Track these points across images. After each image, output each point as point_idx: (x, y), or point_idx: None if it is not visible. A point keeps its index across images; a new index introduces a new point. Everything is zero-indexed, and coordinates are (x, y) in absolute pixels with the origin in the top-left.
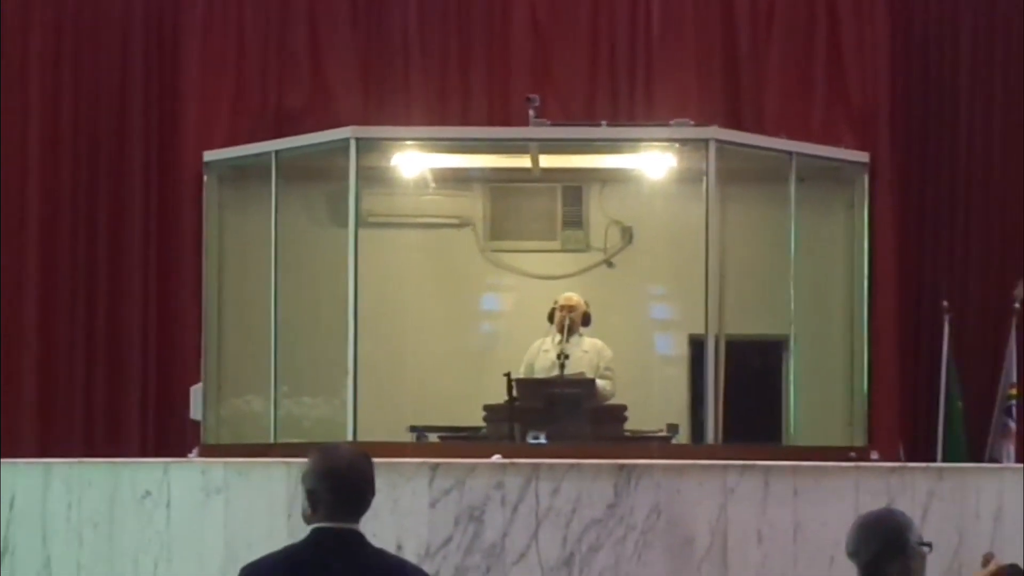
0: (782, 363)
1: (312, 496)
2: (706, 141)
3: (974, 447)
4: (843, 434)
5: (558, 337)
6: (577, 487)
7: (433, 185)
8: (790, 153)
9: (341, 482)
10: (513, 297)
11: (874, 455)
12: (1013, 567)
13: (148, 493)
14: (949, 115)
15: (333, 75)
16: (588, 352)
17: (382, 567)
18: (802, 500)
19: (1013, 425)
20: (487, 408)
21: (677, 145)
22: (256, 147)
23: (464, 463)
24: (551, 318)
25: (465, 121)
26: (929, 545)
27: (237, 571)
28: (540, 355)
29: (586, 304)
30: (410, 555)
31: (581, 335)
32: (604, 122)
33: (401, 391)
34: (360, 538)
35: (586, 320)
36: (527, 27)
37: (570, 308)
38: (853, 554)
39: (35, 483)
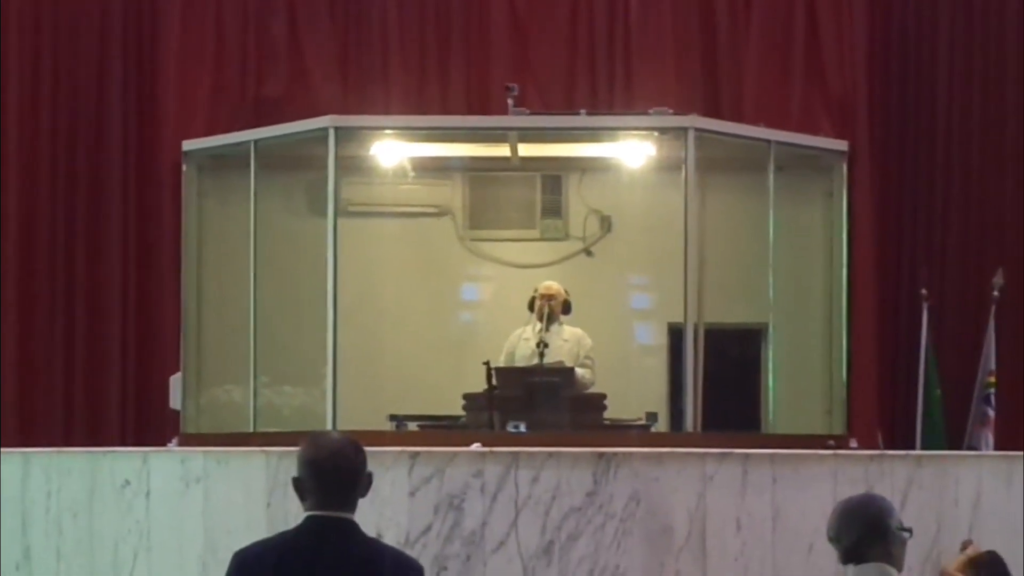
0: (761, 352)
1: (299, 484)
2: (685, 129)
3: (953, 435)
4: (822, 422)
5: (538, 326)
6: (556, 475)
7: (412, 174)
8: (769, 141)
9: (322, 471)
10: (492, 286)
11: (853, 443)
12: (991, 554)
13: (127, 482)
14: (928, 103)
15: (312, 64)
16: (568, 341)
17: (373, 556)
18: (781, 488)
19: (992, 413)
20: (466, 397)
21: (656, 134)
22: (235, 136)
23: (444, 452)
24: (531, 307)
25: (444, 110)
26: (909, 530)
27: (217, 560)
28: (520, 343)
29: (566, 292)
30: (390, 543)
31: (561, 324)
32: (583, 111)
33: (381, 380)
34: (351, 526)
35: (566, 308)
36: (506, 16)
37: (550, 297)
38: (834, 539)
39: (14, 472)
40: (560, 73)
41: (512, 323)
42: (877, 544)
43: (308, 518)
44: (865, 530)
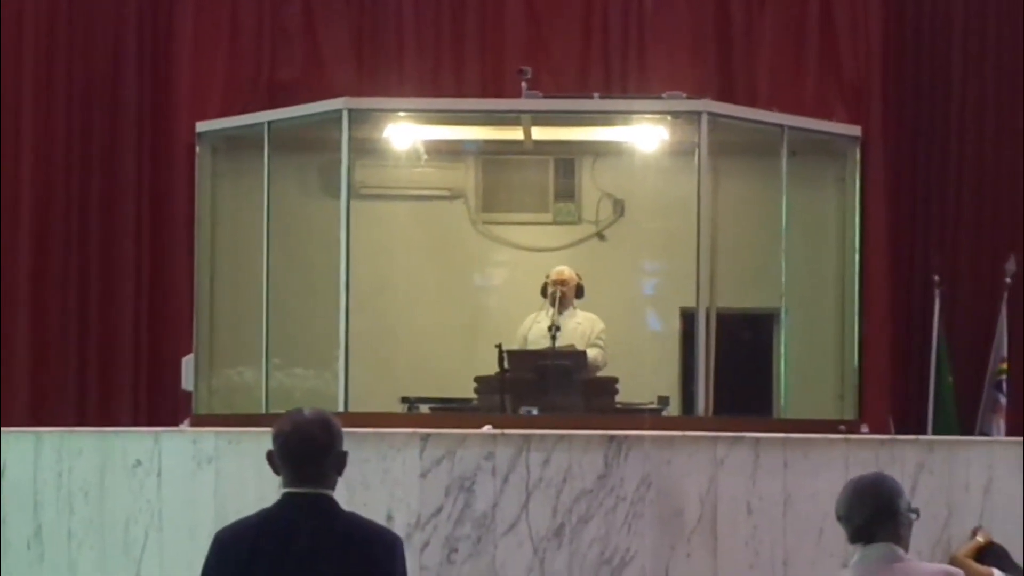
0: (773, 336)
1: (271, 460)
2: (698, 114)
3: (964, 422)
4: (833, 408)
5: (551, 310)
6: (567, 458)
7: (425, 157)
8: (782, 126)
9: (289, 446)
10: (505, 269)
11: (864, 429)
12: (999, 547)
13: (139, 462)
14: (941, 89)
15: (326, 47)
16: (581, 324)
17: (350, 530)
18: (792, 472)
19: (1003, 400)
20: (478, 380)
21: (669, 118)
22: (249, 118)
23: (455, 433)
24: (544, 292)
25: (458, 93)
26: (917, 512)
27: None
28: (534, 328)
29: (579, 277)
30: (400, 525)
31: (575, 308)
32: (596, 94)
33: (393, 363)
34: (328, 501)
35: (579, 293)
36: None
37: (562, 282)
38: (844, 518)
39: (26, 452)
40: (574, 57)
41: (525, 306)
42: (887, 524)
43: (284, 495)
44: (875, 510)
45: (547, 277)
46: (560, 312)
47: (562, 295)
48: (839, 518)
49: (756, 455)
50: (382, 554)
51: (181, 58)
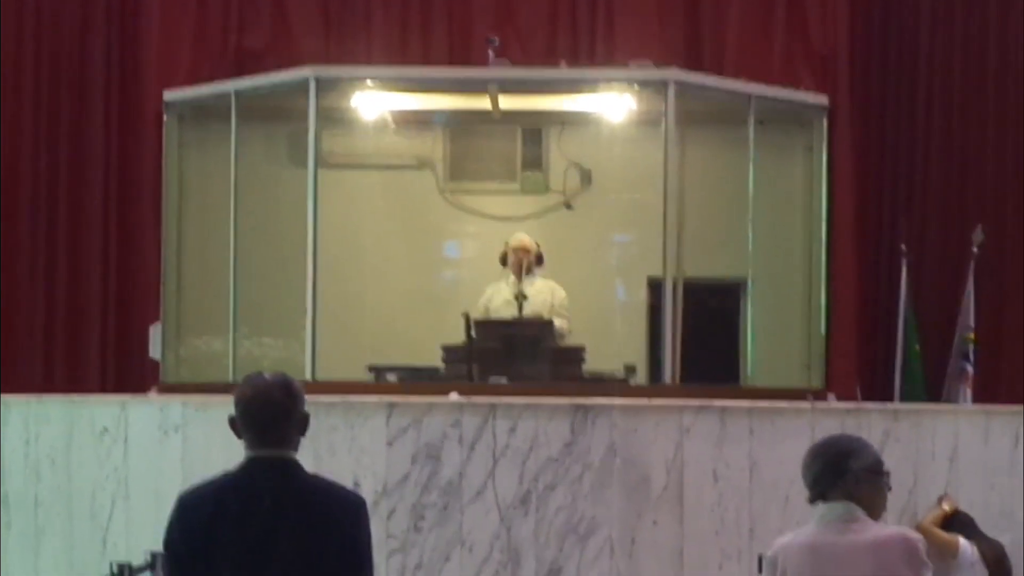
0: (740, 305)
1: (233, 424)
2: (665, 82)
3: (932, 390)
4: (800, 376)
5: (513, 279)
6: (534, 426)
7: (393, 126)
8: (749, 95)
9: (250, 410)
10: (472, 238)
11: (831, 397)
12: (965, 515)
13: (106, 430)
14: (909, 58)
15: (294, 14)
16: (541, 292)
17: (313, 491)
18: (757, 440)
19: (970, 369)
20: (445, 348)
21: (636, 87)
22: (216, 87)
23: (421, 402)
24: (504, 261)
25: (426, 61)
26: (886, 474)
27: None
28: (495, 297)
29: (537, 245)
30: (367, 493)
31: (535, 275)
32: (563, 63)
33: (361, 332)
34: (290, 464)
35: (539, 260)
36: None
37: (525, 250)
38: (803, 478)
39: None
40: (541, 25)
41: (492, 276)
42: (835, 482)
43: (247, 458)
44: (822, 467)
45: (506, 245)
46: (521, 280)
47: (527, 264)
48: (803, 479)
49: (722, 423)
50: (345, 516)
51: (148, 26)
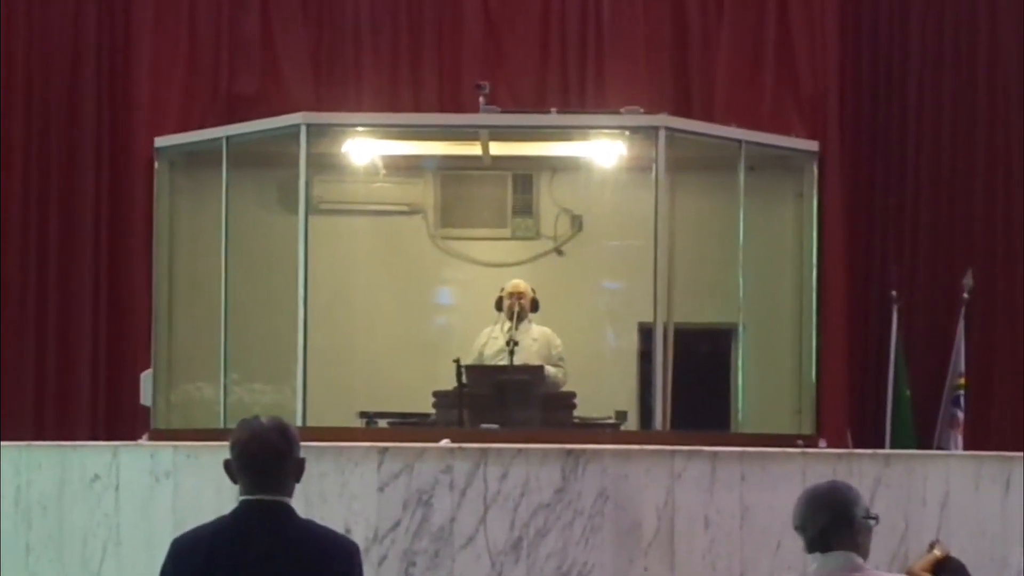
0: (731, 351)
1: (228, 468)
2: (656, 129)
3: (922, 437)
4: (791, 423)
5: (507, 324)
6: (525, 472)
7: (384, 172)
8: (739, 141)
9: (247, 454)
10: (463, 284)
11: (822, 443)
12: (956, 560)
13: (97, 477)
14: (898, 104)
15: (285, 61)
16: (537, 340)
17: (307, 537)
18: (749, 486)
19: (961, 415)
20: (436, 394)
21: (627, 133)
22: (206, 133)
23: (413, 447)
24: (499, 306)
25: (416, 108)
26: (876, 518)
27: None
28: (489, 342)
29: (533, 291)
30: (359, 539)
31: (530, 322)
32: (554, 109)
33: (351, 378)
34: (285, 509)
35: (535, 307)
36: (478, 14)
37: (519, 295)
38: (800, 528)
39: None
40: (532, 72)
41: (483, 321)
42: (844, 533)
43: (241, 503)
44: (832, 519)
45: (502, 291)
46: (516, 326)
47: (520, 309)
48: (796, 528)
49: (713, 469)
50: (339, 562)
51: (139, 72)
